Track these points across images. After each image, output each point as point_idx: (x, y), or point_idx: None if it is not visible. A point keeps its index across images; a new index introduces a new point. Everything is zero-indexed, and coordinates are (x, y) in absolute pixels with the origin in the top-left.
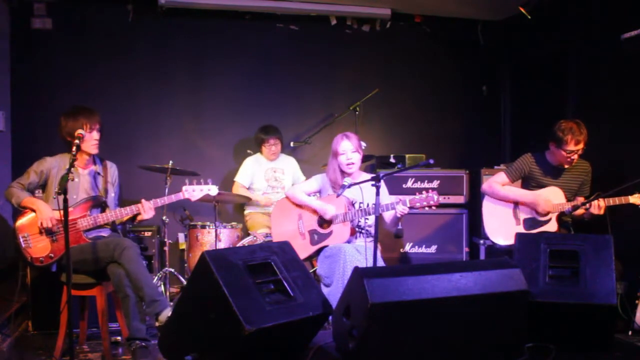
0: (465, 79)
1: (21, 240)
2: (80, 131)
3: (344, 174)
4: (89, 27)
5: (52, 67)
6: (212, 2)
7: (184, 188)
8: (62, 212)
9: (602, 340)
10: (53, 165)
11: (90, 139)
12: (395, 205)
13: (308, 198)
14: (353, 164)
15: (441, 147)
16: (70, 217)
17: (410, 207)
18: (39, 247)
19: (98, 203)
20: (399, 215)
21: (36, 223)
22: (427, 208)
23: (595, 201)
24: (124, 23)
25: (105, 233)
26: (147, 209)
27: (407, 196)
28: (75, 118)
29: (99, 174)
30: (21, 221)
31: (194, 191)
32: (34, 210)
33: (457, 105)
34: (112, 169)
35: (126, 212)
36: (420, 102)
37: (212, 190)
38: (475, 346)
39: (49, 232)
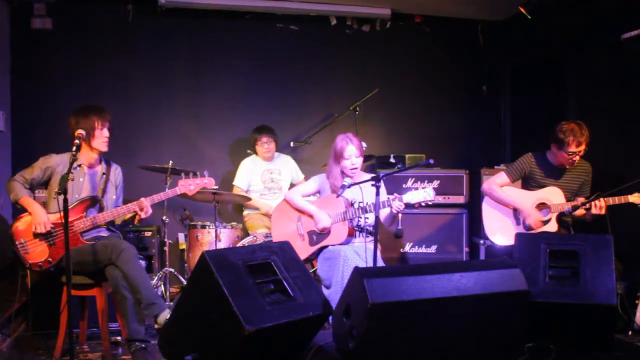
0: (465, 79)
1: (18, 246)
2: (80, 131)
3: (344, 175)
4: (89, 27)
5: (52, 67)
6: (212, 2)
7: (180, 182)
8: (61, 213)
9: (602, 340)
10: (58, 162)
11: (101, 136)
12: (391, 202)
13: (305, 203)
14: (357, 168)
15: (441, 147)
16: None
17: (407, 205)
18: (36, 252)
19: (94, 203)
20: (394, 212)
21: (32, 228)
22: (423, 204)
23: (596, 201)
24: (124, 23)
25: (103, 233)
26: (144, 206)
27: (403, 195)
28: (87, 116)
29: (104, 174)
30: (17, 226)
31: (190, 185)
32: (29, 214)
33: (457, 105)
34: (117, 171)
35: (123, 211)
36: (420, 102)
37: (210, 182)
38: (476, 346)
39: (45, 236)
